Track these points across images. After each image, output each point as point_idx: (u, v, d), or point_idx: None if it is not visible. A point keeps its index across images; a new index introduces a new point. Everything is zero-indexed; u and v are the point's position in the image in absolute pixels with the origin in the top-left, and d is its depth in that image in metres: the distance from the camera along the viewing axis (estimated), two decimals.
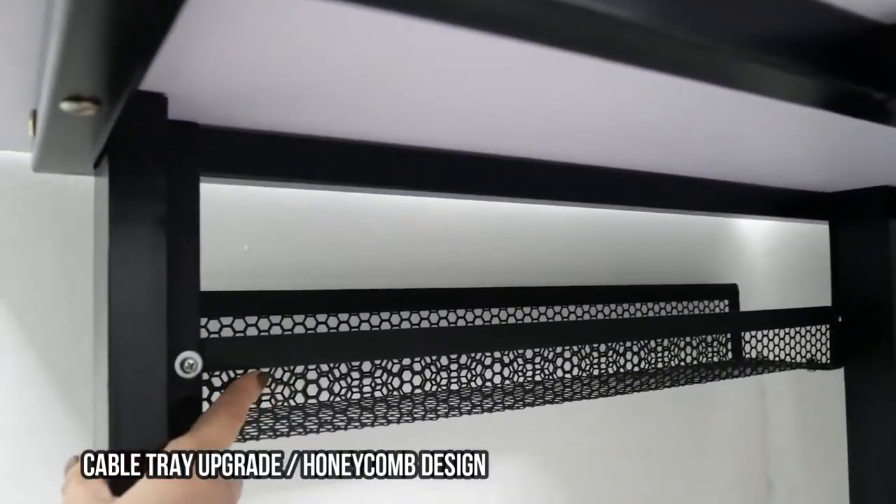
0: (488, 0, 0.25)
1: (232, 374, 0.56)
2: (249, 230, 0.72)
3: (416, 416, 0.62)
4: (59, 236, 0.63)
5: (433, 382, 0.69)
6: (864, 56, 0.37)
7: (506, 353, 0.72)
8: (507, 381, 0.73)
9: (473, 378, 0.70)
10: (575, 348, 0.78)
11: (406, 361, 0.66)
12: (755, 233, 1.22)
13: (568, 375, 0.77)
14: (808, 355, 0.95)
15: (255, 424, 0.57)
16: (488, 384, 0.71)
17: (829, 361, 0.94)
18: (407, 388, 0.69)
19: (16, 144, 0.59)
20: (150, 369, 0.44)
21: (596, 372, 0.81)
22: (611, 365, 0.82)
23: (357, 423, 0.59)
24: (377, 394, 0.66)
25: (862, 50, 0.37)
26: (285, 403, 0.62)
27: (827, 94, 0.44)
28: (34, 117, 0.43)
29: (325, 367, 0.61)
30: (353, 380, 0.63)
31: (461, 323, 0.82)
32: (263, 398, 0.60)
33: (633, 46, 0.35)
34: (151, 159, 0.44)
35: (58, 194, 0.63)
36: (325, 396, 0.62)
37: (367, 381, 0.65)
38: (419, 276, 0.83)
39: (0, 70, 0.41)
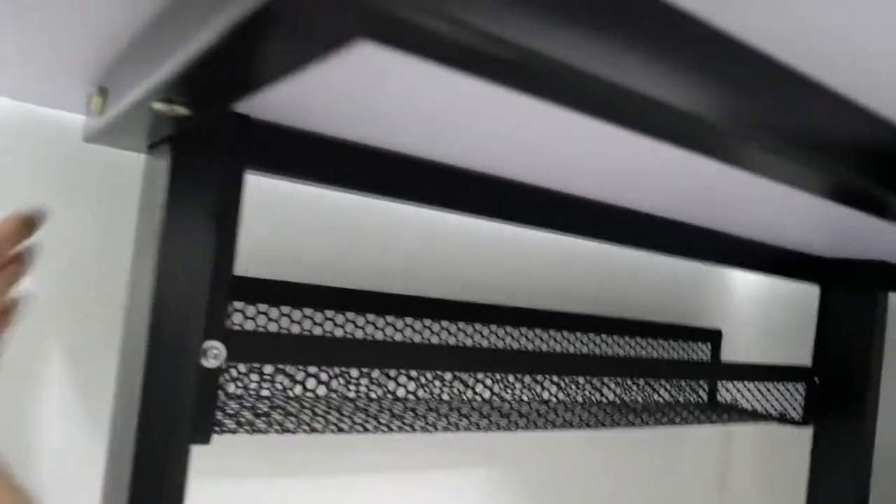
0: (557, 74, 0.27)
1: (253, 367, 0.57)
2: (270, 218, 0.73)
3: (415, 427, 0.63)
4: (95, 201, 0.63)
5: (429, 392, 0.71)
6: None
7: (488, 375, 0.74)
8: (493, 400, 0.75)
9: (460, 393, 0.72)
10: (554, 378, 0.80)
11: (410, 372, 0.68)
12: (745, 281, 1.25)
13: (542, 403, 0.80)
14: (782, 410, 0.98)
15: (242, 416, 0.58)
16: (477, 400, 0.73)
17: (800, 419, 0.98)
18: (400, 394, 0.70)
19: (65, 106, 0.59)
20: (184, 356, 0.45)
21: (574, 400, 0.83)
22: (589, 395, 0.84)
23: (350, 428, 0.60)
24: (373, 395, 0.68)
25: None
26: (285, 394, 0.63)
27: (856, 196, 0.46)
28: (104, 95, 0.44)
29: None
30: (348, 381, 0.65)
31: (459, 334, 0.84)
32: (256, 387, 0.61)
33: (674, 129, 0.36)
34: (211, 150, 0.45)
35: (97, 160, 0.63)
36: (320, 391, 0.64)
37: (360, 384, 0.66)
38: (421, 283, 0.85)
39: (76, 42, 0.41)
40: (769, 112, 0.37)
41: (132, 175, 0.63)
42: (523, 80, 0.25)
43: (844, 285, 0.97)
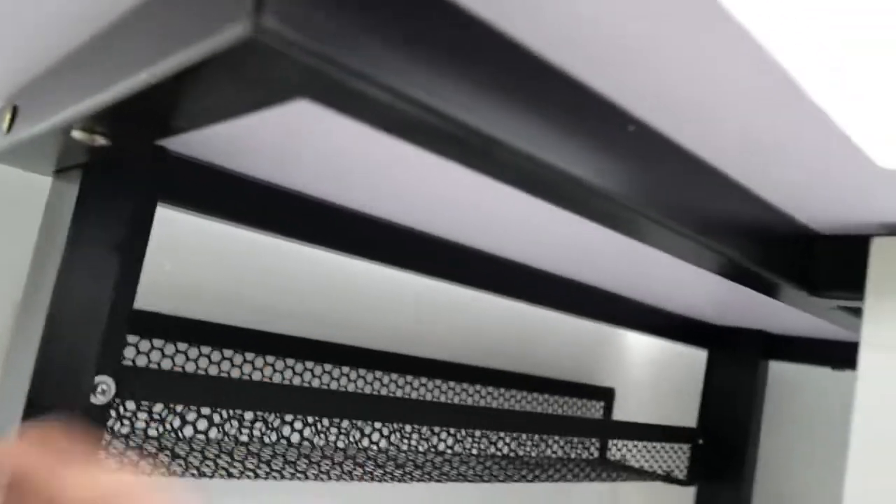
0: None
1: (143, 405, 0.55)
2: (175, 251, 0.71)
3: (308, 474, 0.62)
4: None
5: (324, 439, 0.69)
6: (793, 255, 0.43)
7: (385, 424, 0.73)
8: (388, 450, 0.74)
9: (355, 441, 0.72)
10: (450, 430, 0.81)
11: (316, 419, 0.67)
12: (639, 343, 1.31)
13: (438, 454, 0.80)
14: (668, 469, 1.02)
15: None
16: (372, 449, 0.72)
17: (684, 478, 1.02)
18: (295, 440, 0.69)
19: None
20: (72, 392, 0.43)
21: (469, 452, 0.83)
22: (484, 449, 0.85)
23: (242, 473, 0.58)
24: (266, 440, 0.66)
25: (791, 249, 0.43)
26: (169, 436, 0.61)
27: (746, 275, 0.50)
28: (14, 113, 0.42)
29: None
30: (242, 424, 0.63)
31: (359, 381, 0.83)
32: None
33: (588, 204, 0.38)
34: (123, 181, 0.44)
35: None
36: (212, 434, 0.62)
37: (253, 428, 0.64)
38: (322, 328, 0.84)
39: None
40: (672, 193, 0.40)
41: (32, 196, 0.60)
42: (456, 150, 0.26)
43: (729, 351, 1.03)
